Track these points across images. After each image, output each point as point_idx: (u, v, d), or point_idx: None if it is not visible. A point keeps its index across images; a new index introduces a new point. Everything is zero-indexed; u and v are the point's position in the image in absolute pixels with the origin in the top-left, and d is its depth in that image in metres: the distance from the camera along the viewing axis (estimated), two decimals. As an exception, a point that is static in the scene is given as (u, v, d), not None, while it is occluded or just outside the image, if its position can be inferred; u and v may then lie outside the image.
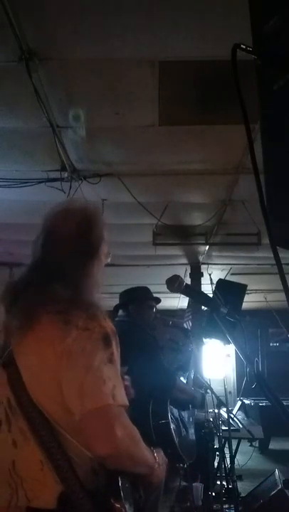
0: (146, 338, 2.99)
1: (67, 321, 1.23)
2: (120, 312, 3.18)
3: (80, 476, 1.19)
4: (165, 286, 1.80)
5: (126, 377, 1.81)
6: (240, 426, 5.33)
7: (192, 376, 3.64)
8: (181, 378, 3.62)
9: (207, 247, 6.10)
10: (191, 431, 3.18)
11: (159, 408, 2.78)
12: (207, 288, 6.87)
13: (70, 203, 1.62)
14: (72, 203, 1.59)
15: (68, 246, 1.41)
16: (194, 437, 3.25)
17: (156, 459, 1.35)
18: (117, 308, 3.23)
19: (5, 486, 1.21)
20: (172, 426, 2.80)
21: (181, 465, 3.13)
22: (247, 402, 7.38)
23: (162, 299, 3.37)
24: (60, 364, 1.19)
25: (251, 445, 7.06)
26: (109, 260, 1.54)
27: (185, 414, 3.18)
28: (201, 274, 7.01)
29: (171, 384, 2.92)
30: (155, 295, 3.33)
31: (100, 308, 1.30)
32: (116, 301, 3.32)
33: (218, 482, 4.37)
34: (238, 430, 5.14)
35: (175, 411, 3.00)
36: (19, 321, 1.28)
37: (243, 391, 7.53)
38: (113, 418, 1.16)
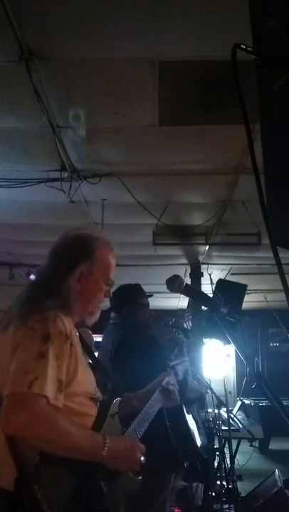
0: (147, 340, 2.97)
1: (23, 322, 1.42)
2: (113, 315, 3.12)
3: (24, 460, 1.31)
4: (165, 286, 1.80)
5: (172, 382, 2.02)
6: (240, 426, 5.33)
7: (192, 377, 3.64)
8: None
9: (207, 247, 6.10)
10: (201, 428, 3.20)
11: (174, 409, 2.76)
12: (207, 288, 6.87)
13: (83, 227, 1.82)
14: (84, 227, 1.81)
15: (54, 258, 1.61)
16: (203, 433, 3.27)
17: (105, 446, 1.40)
18: (109, 311, 3.16)
19: None
20: (190, 426, 2.79)
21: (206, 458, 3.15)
22: (247, 402, 7.38)
23: (162, 299, 3.36)
24: (11, 356, 1.37)
25: (251, 445, 7.05)
26: (108, 288, 1.68)
27: (194, 411, 3.19)
28: (201, 274, 7.00)
29: (183, 384, 2.88)
30: (155, 295, 3.31)
31: (57, 312, 1.43)
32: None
33: (218, 482, 4.37)
34: (238, 430, 5.14)
35: (187, 410, 2.99)
36: (2, 323, 1.50)
37: (243, 391, 7.54)
38: (20, 404, 1.31)
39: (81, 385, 1.47)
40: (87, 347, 1.68)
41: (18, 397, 1.31)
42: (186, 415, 2.86)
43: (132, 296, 3.12)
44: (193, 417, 3.07)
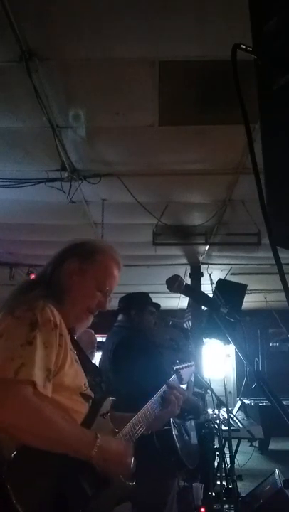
0: (148, 345, 2.97)
1: (10, 312, 1.40)
2: (120, 317, 3.15)
3: (1, 455, 1.24)
4: (165, 286, 1.79)
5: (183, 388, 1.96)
6: (240, 426, 5.33)
7: (192, 379, 3.63)
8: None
9: (207, 247, 6.10)
10: (193, 436, 3.17)
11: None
12: (207, 288, 6.87)
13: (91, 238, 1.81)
14: (93, 238, 1.81)
15: (56, 259, 1.61)
16: (196, 442, 3.23)
17: (96, 444, 1.33)
18: (117, 313, 3.20)
19: None
20: (174, 432, 2.78)
21: (191, 468, 3.13)
22: (247, 402, 7.38)
23: (162, 299, 3.36)
24: None
25: (251, 445, 7.06)
26: (104, 299, 1.61)
27: (186, 419, 3.17)
28: (201, 274, 7.00)
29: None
30: (155, 295, 3.32)
31: (45, 301, 1.41)
32: (115, 300, 3.31)
33: (218, 482, 4.37)
34: (238, 430, 5.14)
35: (177, 419, 2.98)
36: None
37: (243, 391, 7.53)
38: (6, 391, 1.26)
39: (68, 378, 1.42)
40: (78, 345, 1.63)
41: (3, 384, 1.26)
42: (172, 421, 2.84)
43: (140, 302, 3.15)
44: (184, 425, 3.06)
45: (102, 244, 1.71)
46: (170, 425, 2.74)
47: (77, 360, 1.52)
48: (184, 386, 2.30)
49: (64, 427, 1.31)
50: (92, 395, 1.52)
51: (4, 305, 1.46)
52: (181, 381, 2.26)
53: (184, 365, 2.37)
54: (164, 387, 1.90)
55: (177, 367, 2.30)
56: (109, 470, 1.40)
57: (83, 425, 1.42)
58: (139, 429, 1.64)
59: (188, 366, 2.42)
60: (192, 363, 2.50)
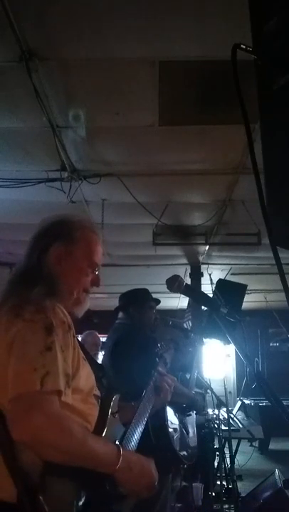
0: (147, 341, 2.99)
1: (17, 315, 1.27)
2: (120, 315, 3.18)
3: (27, 471, 1.17)
4: (165, 286, 1.79)
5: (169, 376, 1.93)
6: (240, 426, 5.34)
7: (195, 377, 3.64)
8: (186, 376, 3.62)
9: (207, 247, 6.10)
10: (192, 433, 3.17)
11: (157, 411, 2.77)
12: (207, 288, 6.87)
13: (61, 213, 1.68)
14: (62, 213, 1.65)
15: (37, 244, 1.50)
16: (195, 439, 3.24)
17: (119, 461, 1.26)
18: (117, 310, 3.22)
19: None
20: (170, 429, 2.79)
21: (181, 466, 3.13)
22: (247, 402, 7.38)
23: (162, 299, 3.37)
24: (7, 354, 1.23)
25: (251, 445, 7.06)
26: (96, 275, 1.55)
27: (185, 415, 3.17)
28: (201, 274, 7.00)
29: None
30: (155, 295, 3.32)
31: (52, 301, 1.32)
32: (117, 301, 3.32)
33: (218, 482, 4.37)
34: (238, 430, 5.14)
35: (174, 413, 2.99)
36: None
37: (243, 391, 7.54)
38: (33, 405, 1.16)
39: (83, 380, 1.35)
40: (80, 342, 1.58)
41: (31, 397, 1.16)
42: (170, 418, 2.85)
43: (139, 298, 3.16)
44: (182, 421, 3.06)
45: (77, 219, 1.60)
46: (166, 421, 2.75)
47: (85, 358, 1.44)
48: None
49: (92, 442, 1.24)
50: (100, 394, 1.47)
51: (3, 303, 1.35)
52: (166, 365, 2.28)
53: (164, 349, 2.40)
54: (155, 376, 1.93)
55: (161, 351, 2.33)
56: (135, 484, 1.32)
57: (97, 428, 1.36)
58: (140, 427, 1.63)
59: (168, 349, 2.46)
60: (171, 346, 2.53)
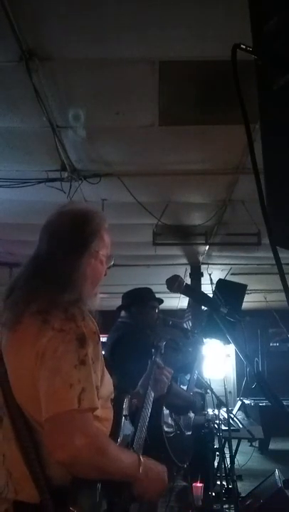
0: (147, 341, 2.99)
1: (45, 321, 1.23)
2: (123, 313, 3.18)
3: (51, 477, 1.20)
4: (165, 286, 1.80)
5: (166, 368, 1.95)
6: (240, 426, 5.33)
7: (195, 377, 3.64)
8: (186, 377, 3.61)
9: (207, 247, 6.10)
10: (187, 435, 3.16)
11: (154, 411, 2.77)
12: (207, 288, 6.86)
13: (70, 203, 1.64)
14: (73, 203, 1.62)
15: (58, 241, 1.41)
16: (190, 441, 3.23)
17: (140, 469, 1.30)
18: (119, 309, 3.23)
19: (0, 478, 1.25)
20: (164, 430, 2.78)
21: (180, 465, 3.12)
22: (247, 402, 7.38)
23: (162, 299, 3.37)
24: (36, 365, 1.20)
25: (251, 445, 7.05)
26: (112, 264, 1.52)
27: (181, 417, 3.17)
28: (201, 274, 7.00)
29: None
30: (155, 295, 3.33)
31: (81, 308, 1.27)
32: (116, 301, 3.32)
33: (218, 482, 4.37)
34: (238, 430, 5.14)
35: (169, 414, 2.98)
36: (6, 319, 1.31)
37: (243, 391, 7.54)
38: (74, 425, 1.15)
39: (105, 388, 1.34)
40: None
41: (70, 417, 1.14)
42: (165, 419, 2.84)
43: (142, 297, 3.17)
44: (177, 423, 3.06)
45: (93, 210, 1.56)
46: (161, 422, 2.75)
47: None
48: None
49: (120, 457, 1.26)
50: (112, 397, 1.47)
51: (22, 305, 1.29)
52: (160, 355, 2.29)
53: (160, 340, 2.39)
54: (154, 368, 1.95)
55: (155, 341, 2.33)
56: (150, 488, 1.35)
57: (113, 432, 1.37)
58: (144, 426, 1.68)
59: (164, 338, 2.46)
60: (168, 336, 2.52)
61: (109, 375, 1.39)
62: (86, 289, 1.36)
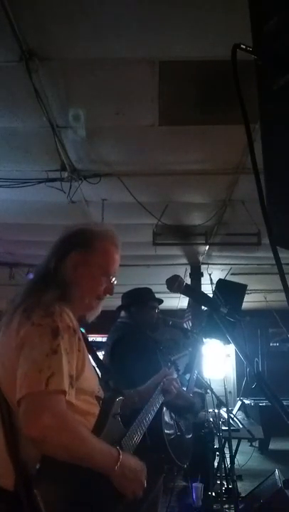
0: (146, 342, 2.98)
1: (28, 317, 1.37)
2: (122, 313, 3.18)
3: (27, 463, 1.27)
4: (165, 286, 1.80)
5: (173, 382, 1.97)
6: (240, 426, 5.33)
7: (195, 377, 3.63)
8: (185, 377, 3.61)
9: (207, 247, 6.10)
10: (188, 434, 3.16)
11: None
12: (207, 288, 6.87)
13: (89, 223, 1.84)
14: (87, 222, 1.74)
15: (57, 250, 1.57)
16: (190, 441, 3.23)
17: (117, 465, 1.34)
18: (119, 309, 3.23)
19: None
20: (166, 430, 2.78)
21: (181, 466, 3.12)
22: (247, 402, 7.38)
23: (162, 299, 3.37)
24: (17, 355, 1.33)
25: (251, 445, 7.05)
26: (112, 278, 1.61)
27: (181, 417, 3.17)
28: (201, 274, 7.00)
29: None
30: (155, 295, 3.33)
31: (61, 306, 1.40)
32: (116, 301, 3.31)
33: (218, 482, 4.37)
34: (238, 430, 5.14)
35: (169, 414, 2.98)
36: (3, 320, 1.47)
37: (243, 391, 7.54)
38: (42, 405, 1.25)
39: (87, 382, 1.43)
40: (88, 343, 1.63)
41: (38, 397, 1.25)
42: (166, 419, 2.84)
43: (141, 297, 3.16)
44: (177, 423, 3.05)
45: (100, 228, 1.67)
46: (162, 422, 2.75)
47: (90, 361, 1.54)
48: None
49: (92, 444, 1.32)
50: (103, 396, 1.54)
51: (16, 306, 1.44)
52: (178, 371, 2.28)
53: (180, 355, 2.38)
54: (163, 378, 1.95)
55: (174, 357, 2.32)
56: (126, 487, 1.40)
57: (96, 428, 1.43)
58: (143, 426, 1.68)
59: (183, 356, 2.43)
60: (186, 352, 2.50)
61: (94, 373, 1.52)
62: (72, 292, 1.49)
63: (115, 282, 1.64)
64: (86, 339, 1.60)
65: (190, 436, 3.18)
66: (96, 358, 1.68)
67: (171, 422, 2.96)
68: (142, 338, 2.97)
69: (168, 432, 2.81)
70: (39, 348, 1.30)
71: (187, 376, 3.69)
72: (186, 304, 7.64)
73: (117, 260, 1.63)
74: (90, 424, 1.42)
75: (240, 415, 6.35)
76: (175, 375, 2.04)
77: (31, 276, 1.61)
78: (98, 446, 1.34)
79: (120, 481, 1.37)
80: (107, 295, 1.61)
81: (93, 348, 1.68)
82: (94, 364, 1.63)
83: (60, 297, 1.43)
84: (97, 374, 1.60)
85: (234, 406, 7.03)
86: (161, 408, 2.72)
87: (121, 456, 1.36)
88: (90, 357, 1.53)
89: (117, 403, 1.57)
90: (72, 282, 1.50)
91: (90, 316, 1.59)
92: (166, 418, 2.86)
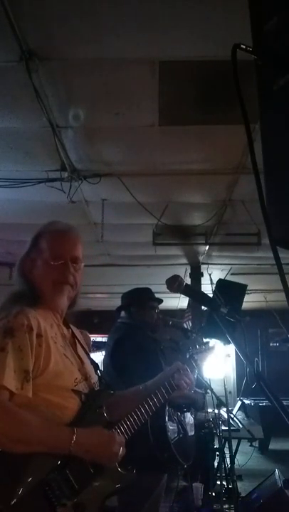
0: (147, 342, 2.99)
1: None
2: (122, 314, 3.18)
3: None
4: (165, 286, 1.80)
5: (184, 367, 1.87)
6: (240, 426, 5.33)
7: (195, 377, 3.63)
8: None
9: (207, 247, 6.10)
10: (191, 433, 3.16)
11: (159, 410, 2.76)
12: (207, 288, 6.87)
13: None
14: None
15: (19, 260, 1.70)
16: (193, 439, 3.23)
17: (72, 440, 1.39)
18: (119, 309, 3.23)
19: None
20: (168, 429, 2.78)
21: (185, 465, 3.12)
22: (247, 402, 7.38)
23: (162, 299, 3.37)
24: None
25: (251, 445, 7.05)
26: (63, 262, 1.63)
27: (184, 416, 3.17)
28: (201, 274, 7.00)
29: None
30: (155, 295, 3.33)
31: (23, 307, 1.49)
32: (116, 301, 3.32)
33: (218, 482, 4.37)
34: (238, 430, 5.14)
35: (173, 413, 2.98)
36: None
37: (243, 391, 7.53)
38: None
39: (56, 376, 1.47)
40: (75, 339, 1.70)
41: None
42: (168, 417, 2.83)
43: (141, 297, 3.16)
44: (180, 422, 3.05)
45: (42, 225, 1.74)
46: (165, 421, 2.75)
47: (68, 355, 1.57)
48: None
49: (36, 427, 1.38)
50: (86, 390, 1.57)
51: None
52: (195, 367, 2.16)
53: (199, 349, 2.20)
54: (174, 372, 1.84)
55: (192, 352, 2.19)
56: (97, 459, 1.46)
57: (74, 420, 1.47)
58: (139, 418, 1.66)
59: (204, 349, 2.24)
60: (208, 342, 2.30)
61: (70, 366, 1.54)
62: (40, 292, 1.60)
63: (80, 266, 1.66)
64: (72, 334, 1.69)
65: (192, 434, 3.18)
66: (83, 352, 1.70)
67: (175, 421, 2.96)
68: (143, 338, 2.97)
69: (171, 430, 2.81)
70: None
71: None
72: (186, 304, 7.64)
73: (65, 242, 1.66)
74: (67, 417, 1.47)
75: (240, 415, 6.35)
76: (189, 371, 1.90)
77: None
78: (45, 428, 1.39)
79: (85, 456, 1.43)
80: (71, 278, 1.62)
81: (80, 342, 1.71)
82: (83, 358, 1.66)
83: (29, 302, 1.54)
84: (85, 368, 1.63)
85: (234, 406, 7.03)
86: (164, 406, 2.70)
87: (75, 435, 1.40)
88: (64, 351, 1.55)
89: (103, 396, 1.60)
90: (32, 284, 1.61)
91: (62, 302, 1.63)
92: (169, 417, 2.86)
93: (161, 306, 3.29)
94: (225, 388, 4.22)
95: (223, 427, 4.36)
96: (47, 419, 1.42)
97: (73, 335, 1.72)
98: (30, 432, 1.37)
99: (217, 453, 4.54)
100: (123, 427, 1.61)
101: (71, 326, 1.74)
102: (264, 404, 7.02)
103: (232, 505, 4.09)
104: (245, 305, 4.87)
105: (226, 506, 4.14)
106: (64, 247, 1.64)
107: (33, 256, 1.65)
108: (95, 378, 1.68)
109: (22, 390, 1.37)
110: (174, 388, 1.81)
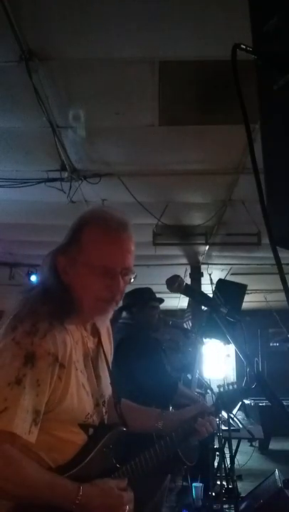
0: (149, 342, 2.99)
1: (13, 328, 1.23)
2: (124, 314, 3.18)
3: None
4: (165, 286, 1.79)
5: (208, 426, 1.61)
6: (240, 426, 5.33)
7: (196, 377, 3.64)
8: (188, 376, 3.61)
9: (207, 247, 6.10)
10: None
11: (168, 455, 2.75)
12: (207, 288, 6.87)
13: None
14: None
15: (52, 253, 1.36)
16: (196, 441, 3.22)
17: (77, 499, 1.22)
18: (120, 310, 3.23)
19: None
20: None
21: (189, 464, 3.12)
22: (247, 402, 7.38)
23: (163, 299, 3.37)
24: None
25: (251, 445, 7.05)
26: (129, 276, 1.37)
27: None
28: (201, 274, 7.00)
29: (173, 389, 2.90)
30: (155, 295, 3.33)
31: (52, 324, 1.24)
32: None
33: (218, 482, 4.37)
34: (238, 430, 5.13)
35: None
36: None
37: (243, 391, 7.51)
38: None
39: (68, 412, 1.28)
40: (99, 351, 1.46)
41: None
42: None
43: (142, 298, 3.16)
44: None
45: (85, 214, 1.39)
46: None
47: (85, 383, 1.35)
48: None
49: (40, 487, 1.21)
50: (96, 421, 1.38)
51: (15, 310, 1.29)
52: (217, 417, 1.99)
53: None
54: (198, 414, 1.63)
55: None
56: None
57: (77, 457, 1.31)
58: (148, 463, 1.47)
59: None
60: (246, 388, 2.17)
61: (86, 397, 1.34)
62: (72, 299, 1.31)
63: (132, 279, 1.37)
64: (100, 343, 1.46)
65: None
66: (103, 369, 1.48)
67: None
68: (145, 339, 2.97)
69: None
70: (5, 370, 1.18)
71: (189, 376, 3.70)
72: (186, 304, 7.64)
73: (115, 247, 1.33)
74: (69, 452, 1.31)
75: (240, 415, 6.34)
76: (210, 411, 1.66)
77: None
78: (50, 489, 1.21)
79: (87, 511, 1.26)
80: (119, 296, 1.35)
81: (103, 349, 1.48)
82: (101, 374, 1.45)
83: (57, 309, 1.27)
84: (100, 389, 1.42)
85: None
86: (168, 408, 2.68)
87: (81, 492, 1.23)
88: (91, 370, 1.38)
89: (112, 435, 1.41)
90: (65, 288, 1.31)
91: (102, 320, 1.41)
92: None
93: (162, 306, 3.29)
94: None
95: (223, 427, 4.35)
96: (49, 471, 1.25)
97: (99, 342, 1.47)
98: (32, 492, 1.21)
99: (217, 453, 4.53)
100: (131, 469, 1.43)
101: (100, 330, 1.48)
102: (264, 404, 7.02)
103: (232, 505, 4.08)
104: (245, 305, 4.86)
105: (226, 506, 4.14)
106: (116, 257, 1.32)
107: (73, 255, 1.31)
108: (108, 393, 1.48)
109: (28, 435, 1.17)
110: (193, 434, 1.62)
